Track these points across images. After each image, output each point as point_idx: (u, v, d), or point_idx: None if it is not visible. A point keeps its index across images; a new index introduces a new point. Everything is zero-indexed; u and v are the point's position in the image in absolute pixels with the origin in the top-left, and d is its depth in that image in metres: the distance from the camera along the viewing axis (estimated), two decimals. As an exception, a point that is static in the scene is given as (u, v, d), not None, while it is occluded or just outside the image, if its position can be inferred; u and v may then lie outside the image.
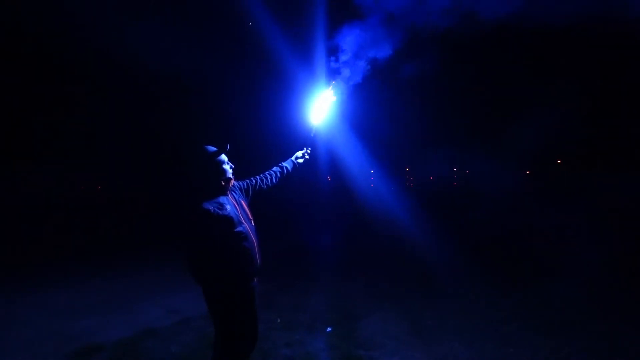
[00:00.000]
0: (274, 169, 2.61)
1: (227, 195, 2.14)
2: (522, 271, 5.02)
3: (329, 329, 3.38)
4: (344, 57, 2.95)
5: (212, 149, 2.13)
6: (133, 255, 6.90)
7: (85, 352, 3.08)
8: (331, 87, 2.78)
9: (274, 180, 2.54)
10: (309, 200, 12.71)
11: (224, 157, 2.15)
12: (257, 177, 2.50)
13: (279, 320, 3.59)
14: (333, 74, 2.91)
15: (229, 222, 2.00)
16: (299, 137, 2.81)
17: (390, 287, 4.62)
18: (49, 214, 12.81)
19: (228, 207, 2.05)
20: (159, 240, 8.01)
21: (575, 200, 11.74)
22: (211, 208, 1.97)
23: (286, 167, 2.64)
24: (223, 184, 2.12)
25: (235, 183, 2.31)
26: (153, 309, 4.02)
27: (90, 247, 7.58)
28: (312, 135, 2.77)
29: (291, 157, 2.74)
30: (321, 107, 2.78)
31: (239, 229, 2.04)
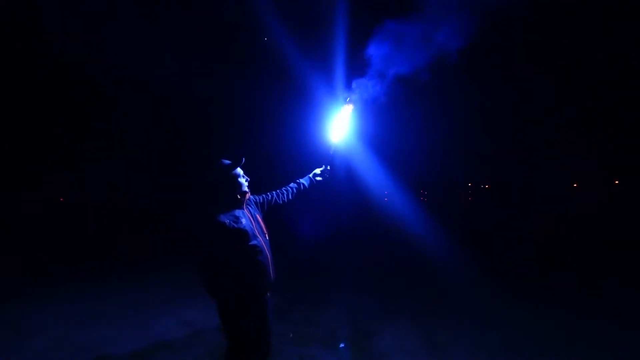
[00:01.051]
0: (291, 185, 2.61)
1: (243, 209, 2.16)
2: (539, 288, 4.87)
3: (342, 345, 3.32)
4: (365, 74, 2.96)
5: (228, 162, 2.14)
6: (148, 265, 6.93)
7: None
8: (350, 103, 2.77)
9: (290, 197, 2.53)
10: (325, 211, 12.66)
11: (239, 170, 2.17)
12: (274, 192, 2.51)
13: (291, 335, 3.55)
14: (352, 90, 2.90)
15: (243, 235, 2.02)
16: (318, 155, 2.81)
17: (404, 302, 4.54)
18: (67, 221, 13.10)
19: (243, 220, 2.07)
20: (174, 251, 8.08)
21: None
22: (227, 221, 1.99)
23: (303, 184, 2.63)
24: (239, 197, 2.14)
25: (251, 197, 2.33)
26: (166, 321, 4.02)
27: (106, 256, 7.67)
28: (332, 153, 2.75)
29: (309, 174, 2.73)
30: (340, 124, 2.76)
31: (254, 242, 2.05)
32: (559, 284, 4.97)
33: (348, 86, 2.92)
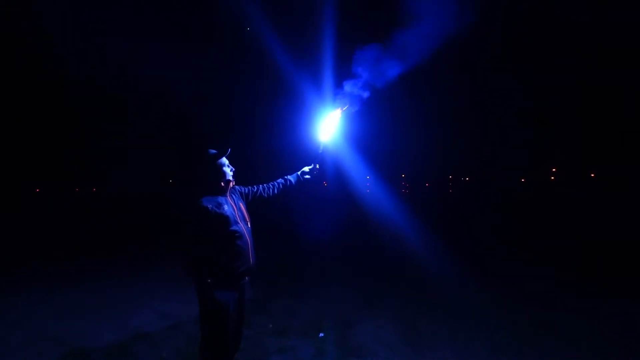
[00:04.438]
0: (278, 180, 2.69)
1: (226, 196, 2.26)
2: (518, 280, 5.08)
3: (321, 335, 3.38)
4: (354, 76, 3.02)
5: (214, 151, 2.24)
6: (127, 257, 6.80)
7: (74, 356, 3.04)
8: (340, 104, 2.83)
9: (275, 191, 2.62)
10: (307, 204, 12.78)
11: (225, 160, 2.26)
12: (260, 185, 2.60)
13: (271, 326, 3.58)
14: (342, 91, 2.96)
15: (225, 220, 2.13)
16: (307, 153, 2.86)
17: (384, 294, 4.63)
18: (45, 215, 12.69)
19: (225, 207, 2.17)
20: (153, 243, 7.93)
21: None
22: (209, 206, 2.11)
23: (290, 181, 2.70)
24: (222, 185, 2.24)
25: (237, 187, 2.44)
26: (144, 313, 3.98)
27: (84, 249, 7.47)
28: (320, 151, 2.81)
29: (298, 171, 2.79)
30: (329, 124, 2.82)
31: (234, 227, 2.17)
32: (531, 274, 5.17)
33: (337, 87, 2.97)
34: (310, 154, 2.82)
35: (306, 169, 2.80)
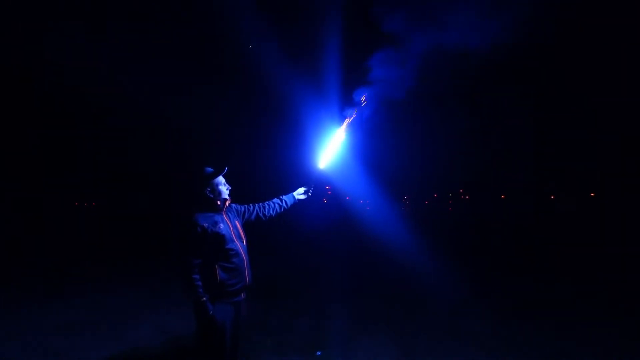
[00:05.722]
0: (274, 200, 2.73)
1: (222, 214, 2.29)
2: (519, 298, 5.02)
3: (318, 353, 3.36)
4: (357, 97, 3.05)
5: (210, 170, 2.27)
6: (126, 270, 6.83)
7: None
8: (347, 116, 2.87)
9: (272, 212, 2.65)
10: (307, 222, 12.79)
11: (221, 178, 2.29)
12: (257, 205, 2.63)
13: (269, 342, 3.56)
14: (347, 114, 2.99)
15: (221, 238, 2.17)
16: (304, 174, 2.90)
17: (382, 310, 4.59)
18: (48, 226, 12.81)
19: (221, 225, 2.21)
20: (152, 256, 7.96)
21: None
22: (205, 224, 2.15)
23: (285, 201, 2.74)
24: (219, 203, 2.27)
25: (233, 205, 2.46)
26: (142, 327, 3.98)
27: (83, 262, 7.51)
28: (317, 175, 2.85)
29: (293, 191, 2.83)
30: (331, 147, 2.86)
31: (230, 245, 2.20)
32: (538, 294, 5.11)
33: (342, 111, 3.00)
34: (308, 175, 2.86)
35: (301, 190, 2.84)
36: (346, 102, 3.02)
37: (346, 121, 2.88)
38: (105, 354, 3.32)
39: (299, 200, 2.82)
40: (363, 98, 2.92)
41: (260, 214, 2.60)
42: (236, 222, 2.36)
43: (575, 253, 7.98)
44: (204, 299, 2.08)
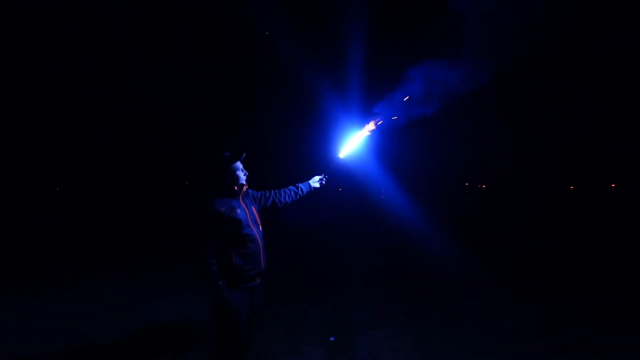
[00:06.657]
0: (290, 187, 2.77)
1: (239, 200, 2.32)
2: (532, 290, 4.97)
3: (332, 339, 3.40)
4: (386, 98, 3.06)
5: (228, 155, 2.31)
6: (143, 256, 6.91)
7: (86, 353, 3.13)
8: (371, 124, 2.90)
9: (287, 199, 2.69)
10: (322, 213, 12.83)
11: (239, 164, 2.33)
12: (273, 191, 2.67)
13: (282, 329, 3.62)
14: (375, 115, 3.00)
15: (237, 223, 2.20)
16: (322, 163, 2.95)
17: (396, 301, 4.61)
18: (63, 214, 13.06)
19: (238, 210, 2.24)
20: (170, 242, 8.06)
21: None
22: (222, 209, 2.18)
23: (302, 189, 2.79)
24: (236, 189, 2.30)
25: (250, 191, 2.49)
26: (159, 312, 4.07)
27: (101, 248, 7.65)
28: (334, 164, 2.90)
29: (309, 179, 2.87)
30: (354, 140, 2.90)
31: (246, 231, 2.23)
32: (558, 287, 5.04)
33: (369, 109, 3.02)
34: (324, 164, 2.90)
35: (316, 178, 2.89)
36: (381, 106, 3.03)
37: (375, 122, 2.91)
38: (120, 338, 3.41)
39: (314, 188, 2.85)
40: (406, 98, 2.94)
41: (277, 201, 2.63)
42: (252, 207, 2.39)
43: (597, 242, 7.82)
44: (220, 283, 2.11)
